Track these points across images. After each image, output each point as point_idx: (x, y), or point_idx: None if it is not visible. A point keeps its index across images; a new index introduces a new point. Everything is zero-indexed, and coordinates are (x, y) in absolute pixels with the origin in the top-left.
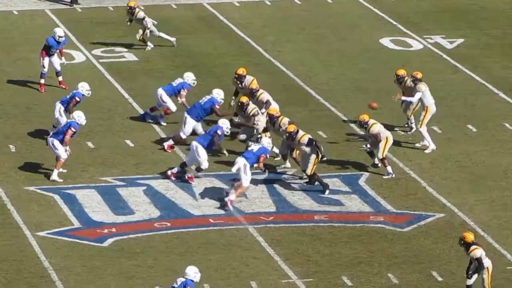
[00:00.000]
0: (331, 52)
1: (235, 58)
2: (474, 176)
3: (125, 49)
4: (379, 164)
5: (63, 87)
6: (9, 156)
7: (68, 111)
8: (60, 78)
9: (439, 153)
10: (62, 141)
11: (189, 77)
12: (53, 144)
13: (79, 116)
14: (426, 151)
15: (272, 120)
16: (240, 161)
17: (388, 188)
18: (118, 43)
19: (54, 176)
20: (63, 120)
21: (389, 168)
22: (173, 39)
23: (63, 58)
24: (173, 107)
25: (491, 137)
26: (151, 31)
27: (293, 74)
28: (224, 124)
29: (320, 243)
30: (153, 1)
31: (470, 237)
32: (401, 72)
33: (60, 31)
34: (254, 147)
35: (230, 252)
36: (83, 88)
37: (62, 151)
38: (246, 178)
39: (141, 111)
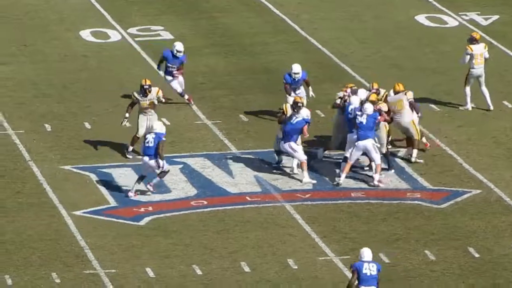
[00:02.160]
0: (366, 30)
1: (271, 36)
2: (511, 152)
3: (161, 27)
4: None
5: (191, 102)
6: (44, 135)
7: None
8: (186, 96)
9: (475, 129)
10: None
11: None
12: (291, 148)
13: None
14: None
15: None
16: (367, 142)
17: (425, 165)
18: (154, 21)
19: (306, 179)
20: None
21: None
22: None
23: (180, 76)
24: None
25: None
26: None
27: (329, 51)
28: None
29: (357, 220)
30: None
31: None
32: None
33: (179, 46)
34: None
35: (267, 230)
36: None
37: (301, 154)
38: (377, 156)
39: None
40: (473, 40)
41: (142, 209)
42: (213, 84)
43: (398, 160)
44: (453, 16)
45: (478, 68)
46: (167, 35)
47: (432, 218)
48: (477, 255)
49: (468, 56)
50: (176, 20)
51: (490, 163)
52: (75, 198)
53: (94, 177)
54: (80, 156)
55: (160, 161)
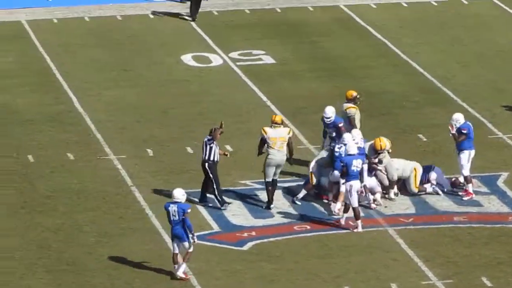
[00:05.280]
0: (467, 53)
1: (373, 60)
2: None
3: (263, 52)
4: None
5: None
6: (147, 160)
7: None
8: None
9: None
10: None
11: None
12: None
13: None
14: None
15: None
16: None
17: None
18: (255, 45)
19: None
20: None
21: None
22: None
23: None
24: None
25: None
26: None
27: (431, 75)
28: None
29: (460, 244)
30: (289, 3)
31: None
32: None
33: (328, 111)
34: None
35: (370, 255)
36: None
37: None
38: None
39: (279, 113)
40: None
41: (245, 234)
42: (315, 108)
43: (500, 184)
44: None
45: None
46: (268, 60)
47: None
48: None
49: None
50: (278, 44)
51: None
52: None
53: (196, 201)
54: (183, 181)
55: None
